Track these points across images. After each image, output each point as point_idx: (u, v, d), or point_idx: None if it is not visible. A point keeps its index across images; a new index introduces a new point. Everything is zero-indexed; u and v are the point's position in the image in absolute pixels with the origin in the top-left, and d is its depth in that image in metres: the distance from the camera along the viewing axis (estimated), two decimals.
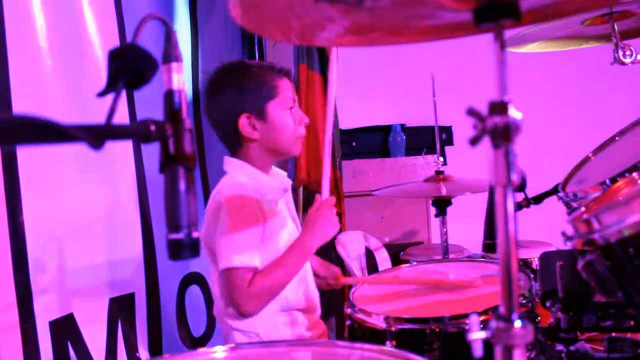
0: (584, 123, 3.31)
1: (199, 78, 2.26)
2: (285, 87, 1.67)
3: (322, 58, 2.58)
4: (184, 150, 0.71)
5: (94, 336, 1.69)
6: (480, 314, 1.25)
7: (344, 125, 2.97)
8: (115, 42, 1.81)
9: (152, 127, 0.70)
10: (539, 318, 1.40)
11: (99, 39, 1.74)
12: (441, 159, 2.33)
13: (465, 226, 2.48)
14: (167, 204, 0.71)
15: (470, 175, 2.26)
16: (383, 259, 2.41)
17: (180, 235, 0.70)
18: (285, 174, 1.78)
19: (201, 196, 2.25)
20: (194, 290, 2.17)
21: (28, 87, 1.52)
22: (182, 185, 0.71)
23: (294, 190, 2.42)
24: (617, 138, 1.54)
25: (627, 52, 1.60)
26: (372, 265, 2.35)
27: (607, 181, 1.23)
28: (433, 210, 2.28)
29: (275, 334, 1.59)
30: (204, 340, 2.17)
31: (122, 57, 0.71)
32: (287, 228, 1.66)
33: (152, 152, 1.86)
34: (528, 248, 2.35)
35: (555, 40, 1.83)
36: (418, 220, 3.11)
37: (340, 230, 2.61)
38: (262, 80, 1.64)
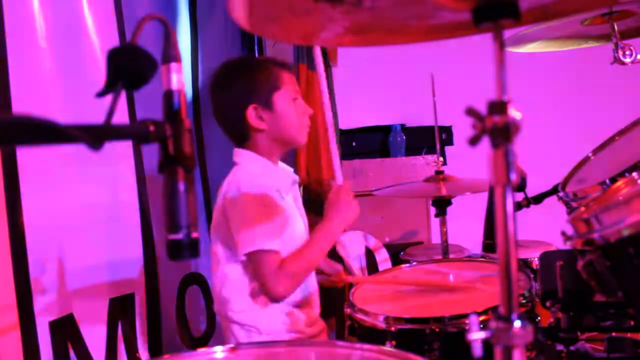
0: (584, 123, 3.30)
1: (198, 78, 2.26)
2: (288, 78, 1.71)
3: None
4: (184, 150, 0.71)
5: (94, 336, 1.69)
6: (480, 314, 1.25)
7: (344, 125, 2.97)
8: (115, 42, 1.81)
9: (151, 128, 0.69)
10: (539, 318, 1.40)
11: (98, 39, 1.74)
12: (441, 159, 2.33)
13: (465, 226, 2.48)
14: (166, 204, 0.71)
15: (470, 175, 2.26)
16: (383, 258, 2.41)
17: (179, 236, 0.70)
18: (291, 169, 1.81)
19: (201, 196, 2.25)
20: (194, 290, 2.17)
21: (28, 87, 1.53)
22: (181, 186, 0.71)
23: None
24: (617, 138, 1.54)
25: (627, 52, 1.59)
26: (372, 265, 2.35)
27: (607, 181, 1.23)
28: (433, 210, 2.28)
29: (274, 328, 1.61)
30: (204, 340, 2.17)
31: (121, 57, 0.71)
32: (295, 220, 1.69)
33: (152, 152, 1.86)
34: (528, 248, 2.35)
35: (555, 40, 1.83)
36: (418, 220, 3.11)
37: None
38: (267, 71, 1.68)
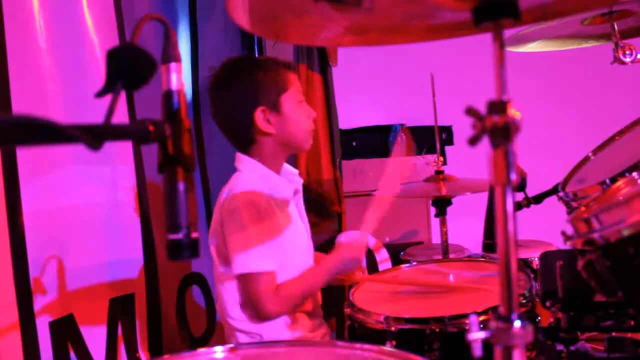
0: (584, 123, 3.30)
1: (198, 78, 2.26)
2: (295, 80, 1.66)
3: (322, 58, 2.58)
4: (183, 150, 0.71)
5: (94, 336, 1.69)
6: (480, 314, 1.25)
7: (344, 125, 2.97)
8: (115, 42, 1.81)
9: (151, 127, 0.69)
10: (539, 318, 1.40)
11: (98, 39, 1.73)
12: (441, 158, 2.33)
13: (465, 226, 2.48)
14: (166, 204, 0.71)
15: (470, 175, 2.26)
16: (383, 258, 2.41)
17: (179, 236, 0.70)
18: (296, 172, 1.76)
19: (201, 196, 2.25)
20: (194, 290, 2.17)
21: (28, 87, 1.52)
22: (181, 186, 0.71)
23: None
24: (617, 138, 1.54)
25: (627, 52, 1.59)
26: (372, 265, 2.35)
27: (607, 181, 1.23)
28: (433, 210, 2.28)
29: (278, 336, 1.59)
30: (204, 340, 2.17)
31: (121, 57, 0.70)
32: (296, 230, 1.66)
33: (152, 152, 1.85)
34: (528, 248, 2.35)
35: (555, 39, 1.83)
36: (418, 220, 3.11)
37: (340, 230, 2.62)
38: (274, 72, 1.62)
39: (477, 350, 0.71)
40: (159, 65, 0.73)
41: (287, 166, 1.73)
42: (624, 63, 1.60)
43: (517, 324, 0.70)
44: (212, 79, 1.69)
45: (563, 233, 1.09)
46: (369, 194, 2.69)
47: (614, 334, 1.25)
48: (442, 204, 2.22)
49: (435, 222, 2.76)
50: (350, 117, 3.04)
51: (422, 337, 1.28)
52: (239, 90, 1.61)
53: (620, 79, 3.12)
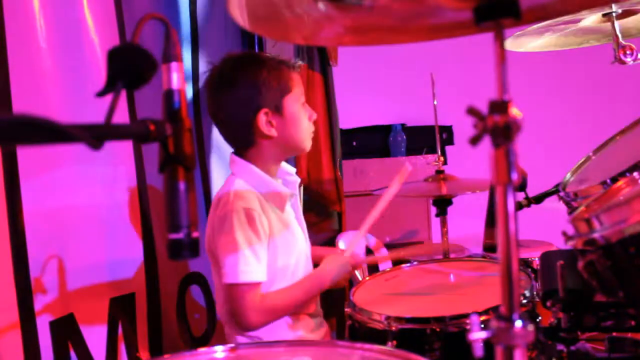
0: (585, 122, 3.31)
1: (198, 78, 2.26)
2: (298, 81, 1.61)
3: (322, 58, 2.58)
4: (184, 150, 0.71)
5: (95, 336, 1.69)
6: (481, 313, 1.25)
7: (344, 125, 2.97)
8: (116, 42, 1.81)
9: (152, 127, 0.69)
10: (540, 318, 1.39)
11: (99, 39, 1.73)
12: (442, 158, 2.33)
13: (465, 226, 2.48)
14: (166, 204, 0.71)
15: (470, 175, 2.25)
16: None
17: (180, 235, 0.70)
18: (294, 170, 1.73)
19: (201, 196, 2.25)
20: (194, 290, 2.17)
21: (28, 87, 1.52)
22: (181, 185, 0.71)
23: None
24: (617, 137, 1.54)
25: (628, 51, 1.59)
26: (372, 265, 2.35)
27: (608, 181, 1.23)
28: (433, 210, 2.27)
29: (278, 337, 1.58)
30: (204, 340, 2.17)
31: (122, 57, 0.70)
32: (292, 234, 1.64)
33: (152, 151, 1.85)
34: (529, 248, 2.35)
35: (555, 39, 1.83)
36: (418, 220, 3.11)
37: (341, 230, 2.62)
38: (278, 72, 1.57)
39: (478, 350, 0.71)
40: (160, 65, 0.73)
41: (284, 164, 1.69)
42: (624, 63, 1.60)
43: (518, 323, 0.69)
44: (211, 76, 1.63)
45: (564, 233, 1.09)
46: (369, 194, 2.69)
47: (614, 334, 1.25)
48: (442, 204, 2.22)
49: (435, 222, 2.76)
50: (350, 117, 3.04)
51: (422, 337, 1.28)
52: (241, 91, 1.56)
53: (621, 79, 3.12)
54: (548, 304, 1.30)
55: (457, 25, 0.87)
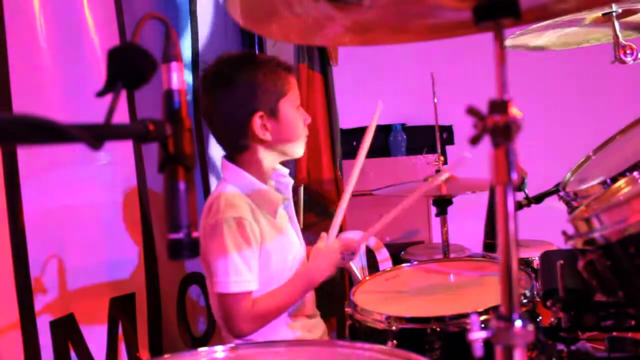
0: (585, 122, 3.30)
1: (198, 77, 2.26)
2: (294, 84, 1.59)
3: (323, 58, 2.58)
4: (184, 149, 0.71)
5: (95, 336, 1.69)
6: (481, 313, 1.25)
7: (344, 125, 2.97)
8: (116, 42, 1.81)
9: (151, 127, 0.69)
10: (540, 317, 1.39)
11: (99, 38, 1.73)
12: (442, 158, 2.33)
13: (466, 225, 2.48)
14: (166, 203, 0.71)
15: (471, 175, 2.25)
16: (384, 258, 2.41)
17: (180, 235, 0.70)
18: (287, 171, 1.71)
19: (201, 196, 2.25)
20: (194, 290, 2.17)
21: (28, 87, 1.52)
22: (181, 185, 0.71)
23: (294, 190, 2.41)
24: (617, 137, 1.54)
25: (628, 51, 1.59)
26: (372, 265, 2.35)
27: (608, 180, 1.23)
28: (434, 210, 2.28)
29: (278, 339, 1.58)
30: (204, 340, 2.17)
31: (122, 57, 0.70)
32: (285, 238, 1.63)
33: (152, 151, 1.85)
34: (529, 247, 2.35)
35: (555, 39, 1.83)
36: (419, 220, 3.11)
37: (341, 230, 2.62)
38: (275, 75, 1.54)
39: (478, 350, 0.71)
40: (160, 65, 0.73)
41: (278, 166, 1.67)
42: (624, 62, 1.60)
43: (518, 323, 0.69)
44: (206, 76, 1.60)
45: (564, 233, 1.09)
46: (369, 194, 2.69)
47: (614, 333, 1.25)
48: (442, 204, 2.22)
49: (436, 222, 2.76)
50: (350, 117, 3.04)
51: (423, 337, 1.28)
52: (237, 92, 1.53)
53: (621, 78, 3.12)
54: (548, 303, 1.30)
55: (457, 25, 0.87)
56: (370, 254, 2.36)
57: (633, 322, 1.22)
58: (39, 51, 1.56)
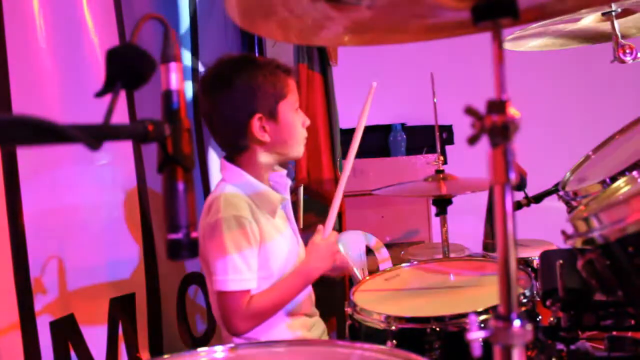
0: (584, 122, 3.31)
1: (198, 78, 2.26)
2: (293, 86, 1.60)
3: (322, 58, 2.58)
4: (183, 150, 0.71)
5: (95, 336, 1.69)
6: (480, 313, 1.25)
7: (344, 125, 2.97)
8: (115, 42, 1.81)
9: (150, 127, 0.69)
10: (540, 317, 1.39)
11: (98, 39, 1.73)
12: (441, 158, 2.33)
13: (465, 225, 2.48)
14: (165, 204, 0.71)
15: (470, 174, 2.25)
16: (384, 258, 2.41)
17: (179, 236, 0.70)
18: (285, 172, 1.72)
19: (201, 196, 2.25)
20: (194, 290, 2.17)
21: (28, 87, 1.52)
22: (180, 185, 0.71)
23: (294, 190, 2.41)
24: (617, 137, 1.54)
25: (628, 51, 1.59)
26: (372, 265, 2.35)
27: (607, 180, 1.23)
28: (433, 210, 2.27)
29: (278, 338, 1.58)
30: (204, 340, 2.17)
31: (121, 57, 0.70)
32: (283, 238, 1.63)
33: (152, 151, 1.85)
34: (528, 247, 2.35)
35: (555, 38, 1.83)
36: (418, 220, 3.11)
37: (341, 230, 2.62)
38: (274, 77, 1.56)
39: (477, 350, 0.71)
40: (159, 65, 0.73)
41: (278, 169, 1.69)
42: (624, 62, 1.60)
43: (517, 323, 0.70)
44: (206, 77, 1.62)
45: (563, 232, 1.09)
46: (369, 194, 2.69)
47: (614, 332, 1.25)
48: (442, 203, 2.22)
49: (435, 221, 2.76)
50: (350, 117, 3.04)
51: (422, 337, 1.28)
52: (237, 93, 1.54)
53: (621, 77, 3.12)
54: (548, 303, 1.30)
55: (456, 25, 0.87)
56: (370, 253, 2.36)
57: (633, 322, 1.22)
58: (38, 51, 1.56)
